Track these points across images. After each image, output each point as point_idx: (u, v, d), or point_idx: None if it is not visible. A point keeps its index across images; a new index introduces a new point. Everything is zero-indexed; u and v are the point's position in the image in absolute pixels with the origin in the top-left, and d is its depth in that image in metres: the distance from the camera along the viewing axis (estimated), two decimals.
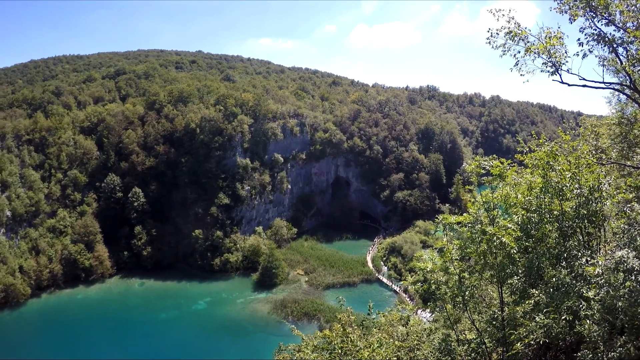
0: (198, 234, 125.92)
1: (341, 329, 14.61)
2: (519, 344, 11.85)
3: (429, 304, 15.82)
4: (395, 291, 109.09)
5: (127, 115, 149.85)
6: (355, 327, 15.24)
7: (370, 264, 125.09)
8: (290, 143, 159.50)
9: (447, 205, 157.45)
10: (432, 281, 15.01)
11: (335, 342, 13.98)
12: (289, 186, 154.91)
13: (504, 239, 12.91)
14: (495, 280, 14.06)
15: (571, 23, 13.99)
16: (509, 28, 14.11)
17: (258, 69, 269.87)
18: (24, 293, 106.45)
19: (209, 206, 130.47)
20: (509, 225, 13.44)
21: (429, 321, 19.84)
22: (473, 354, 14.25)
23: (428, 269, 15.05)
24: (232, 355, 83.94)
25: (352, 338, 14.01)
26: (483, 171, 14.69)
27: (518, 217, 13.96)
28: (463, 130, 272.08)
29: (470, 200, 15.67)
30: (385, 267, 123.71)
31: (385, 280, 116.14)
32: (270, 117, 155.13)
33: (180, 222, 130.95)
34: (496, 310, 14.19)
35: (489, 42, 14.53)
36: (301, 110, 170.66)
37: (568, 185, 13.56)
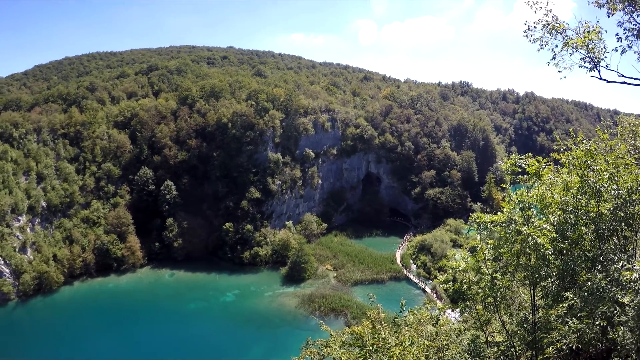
0: (228, 227, 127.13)
1: (370, 326, 14.47)
2: (550, 349, 11.54)
3: (459, 303, 15.56)
4: (423, 290, 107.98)
5: (160, 110, 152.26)
6: (385, 324, 15.07)
7: (399, 262, 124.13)
8: (322, 138, 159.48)
9: (478, 204, 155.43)
10: (463, 281, 14.74)
11: (367, 338, 13.83)
12: (320, 181, 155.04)
13: (539, 240, 12.54)
14: (527, 282, 13.71)
15: (609, 17, 13.50)
16: (546, 21, 13.68)
17: (289, 64, 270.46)
18: (57, 280, 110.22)
19: (240, 200, 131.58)
20: (544, 226, 13.07)
21: (458, 321, 19.55)
22: (502, 357, 13.96)
23: (460, 268, 14.79)
24: (258, 348, 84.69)
25: (383, 335, 13.85)
26: (519, 169, 14.31)
27: (554, 218, 13.55)
28: (496, 127, 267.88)
29: (504, 199, 15.33)
30: (414, 265, 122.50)
31: (414, 278, 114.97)
32: (302, 112, 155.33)
33: (211, 215, 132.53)
34: (527, 313, 13.84)
35: (526, 35, 14.12)
36: (332, 105, 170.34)
37: (606, 186, 13.11)
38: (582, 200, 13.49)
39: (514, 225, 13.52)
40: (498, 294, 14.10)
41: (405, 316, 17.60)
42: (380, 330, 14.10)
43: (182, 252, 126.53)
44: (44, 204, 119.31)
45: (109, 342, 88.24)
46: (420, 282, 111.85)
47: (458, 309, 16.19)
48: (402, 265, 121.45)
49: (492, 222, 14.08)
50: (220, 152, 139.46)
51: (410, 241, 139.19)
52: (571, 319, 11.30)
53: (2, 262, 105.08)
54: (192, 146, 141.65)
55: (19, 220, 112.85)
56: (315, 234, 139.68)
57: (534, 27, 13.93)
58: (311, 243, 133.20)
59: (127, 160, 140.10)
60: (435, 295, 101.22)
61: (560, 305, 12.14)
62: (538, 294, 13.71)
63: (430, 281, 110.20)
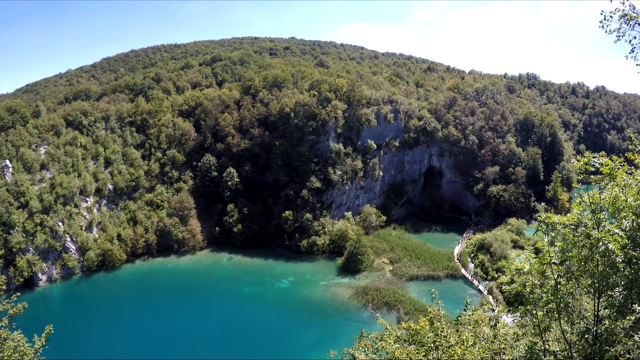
0: (288, 215, 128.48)
1: (428, 323, 14.13)
2: None
3: (519, 307, 14.87)
4: (479, 290, 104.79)
5: (224, 100, 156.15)
6: (444, 322, 14.69)
7: (456, 260, 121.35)
8: (384, 130, 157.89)
9: (542, 204, 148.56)
10: (526, 283, 14.04)
11: (428, 335, 13.50)
12: (381, 173, 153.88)
13: (610, 246, 11.73)
14: (592, 290, 12.90)
15: None
16: (623, 10, 12.72)
17: (351, 54, 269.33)
18: (119, 258, 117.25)
19: (300, 189, 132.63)
20: (616, 231, 12.21)
21: (517, 325, 18.82)
22: None
23: (525, 270, 14.05)
24: (309, 335, 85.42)
25: (446, 333, 13.51)
26: (592, 169, 13.42)
27: (628, 223, 12.62)
28: (564, 123, 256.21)
29: (574, 200, 14.57)
30: (472, 265, 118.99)
31: (470, 277, 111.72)
32: (364, 103, 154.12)
33: (271, 203, 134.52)
34: (588, 323, 13.02)
35: (602, 26, 13.19)
36: (395, 96, 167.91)
37: None
38: None
39: (583, 228, 12.75)
40: (561, 301, 13.34)
41: (470, 315, 17.16)
42: (438, 328, 13.75)
43: (241, 238, 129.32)
44: (110, 186, 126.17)
45: (163, 317, 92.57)
46: (477, 282, 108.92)
47: (514, 313, 15.53)
48: (460, 264, 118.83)
49: (560, 223, 13.34)
50: (283, 141, 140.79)
51: (469, 239, 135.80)
52: (637, 333, 10.53)
53: (69, 239, 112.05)
54: (254, 135, 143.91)
55: (86, 201, 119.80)
56: (374, 226, 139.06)
57: (610, 17, 12.98)
58: (369, 235, 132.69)
59: (191, 148, 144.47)
60: (490, 297, 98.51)
61: (628, 318, 11.33)
62: (602, 304, 12.89)
63: (487, 282, 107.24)
